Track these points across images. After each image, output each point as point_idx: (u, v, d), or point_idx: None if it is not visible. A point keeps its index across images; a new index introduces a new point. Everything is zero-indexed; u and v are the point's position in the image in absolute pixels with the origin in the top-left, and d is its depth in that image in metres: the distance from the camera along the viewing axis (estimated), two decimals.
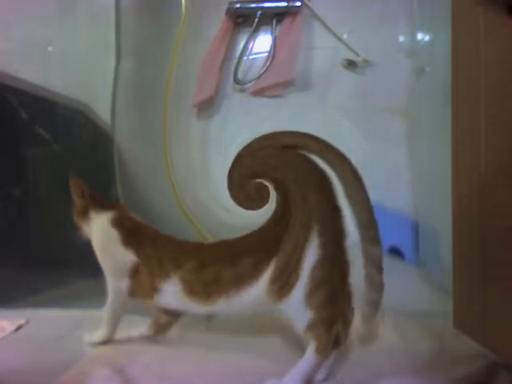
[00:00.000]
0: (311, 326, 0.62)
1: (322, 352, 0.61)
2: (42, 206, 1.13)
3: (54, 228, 1.11)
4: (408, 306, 0.92)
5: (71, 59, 1.35)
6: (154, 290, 0.70)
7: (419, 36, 1.27)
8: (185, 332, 0.75)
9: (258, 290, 0.64)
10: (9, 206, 1.03)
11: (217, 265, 0.67)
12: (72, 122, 1.28)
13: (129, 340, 0.79)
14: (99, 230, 0.76)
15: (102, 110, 1.40)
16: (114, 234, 0.75)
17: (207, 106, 1.45)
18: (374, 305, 0.67)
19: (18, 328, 0.84)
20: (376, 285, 0.67)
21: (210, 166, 1.47)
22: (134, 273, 0.72)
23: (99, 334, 0.77)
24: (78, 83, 1.31)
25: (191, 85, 1.43)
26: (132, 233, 0.75)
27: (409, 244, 1.21)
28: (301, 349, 0.66)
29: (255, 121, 1.43)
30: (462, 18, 0.81)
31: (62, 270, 0.97)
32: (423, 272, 1.12)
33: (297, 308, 0.62)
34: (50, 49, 1.35)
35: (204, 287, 0.67)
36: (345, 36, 1.37)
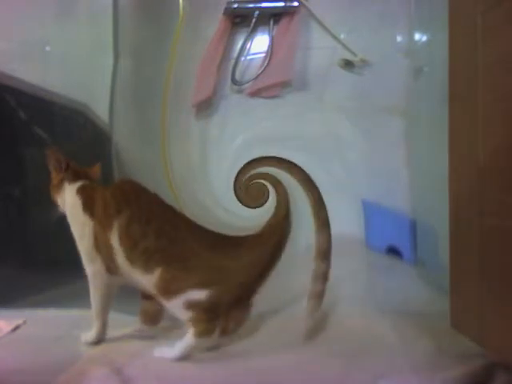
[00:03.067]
0: (191, 320, 0.69)
1: (199, 338, 0.69)
2: (41, 206, 1.13)
3: (53, 228, 1.11)
4: (406, 306, 0.92)
5: (69, 59, 1.35)
6: (110, 250, 0.72)
7: (417, 36, 1.27)
8: (183, 332, 0.74)
9: (151, 281, 0.70)
10: (8, 206, 1.03)
11: (144, 226, 0.71)
12: (70, 122, 1.28)
13: (123, 337, 0.79)
14: (69, 200, 0.78)
15: (100, 110, 1.40)
16: (78, 202, 0.76)
17: (206, 106, 1.45)
18: (319, 297, 0.72)
19: (16, 328, 0.84)
20: (321, 277, 0.71)
21: (208, 166, 1.47)
22: (96, 242, 0.74)
23: (92, 332, 0.77)
24: (76, 83, 1.31)
25: (190, 84, 1.43)
26: (90, 198, 0.76)
27: (407, 243, 1.21)
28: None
29: (253, 121, 1.43)
30: (459, 19, 0.81)
31: (61, 270, 0.97)
32: (421, 271, 1.13)
33: (177, 310, 0.70)
34: (48, 49, 1.35)
35: (131, 241, 0.70)
36: (342, 36, 1.37)
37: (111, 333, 0.79)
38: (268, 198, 0.76)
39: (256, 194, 0.75)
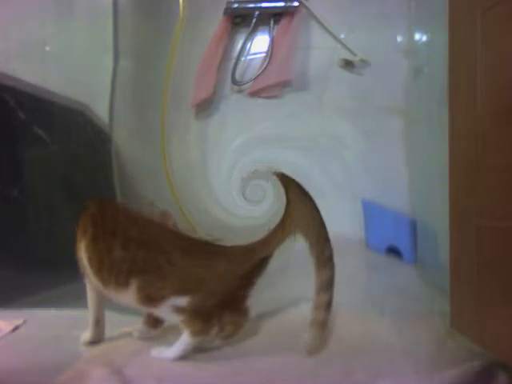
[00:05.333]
0: (184, 322, 0.69)
1: (195, 337, 0.69)
2: (41, 206, 1.13)
3: (52, 228, 1.11)
4: (406, 306, 0.92)
5: (69, 59, 1.35)
6: (86, 271, 0.73)
7: (417, 36, 1.27)
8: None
9: (130, 296, 0.70)
10: (7, 206, 1.03)
11: (108, 241, 0.71)
12: (70, 122, 1.28)
13: (123, 337, 0.79)
14: None
15: (100, 110, 1.40)
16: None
17: (205, 107, 1.45)
18: (321, 326, 0.69)
19: (15, 328, 0.84)
20: (323, 306, 0.69)
21: (207, 166, 1.48)
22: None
23: (88, 332, 0.77)
24: (76, 83, 1.31)
25: (189, 84, 1.44)
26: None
27: (407, 243, 1.21)
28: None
29: (253, 121, 1.43)
30: (459, 18, 0.81)
31: (60, 270, 0.97)
32: (421, 271, 1.13)
33: (167, 315, 0.70)
34: (47, 49, 1.35)
35: (97, 258, 0.71)
36: (342, 36, 1.37)
37: (111, 332, 0.79)
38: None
39: None
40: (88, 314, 0.77)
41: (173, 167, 1.45)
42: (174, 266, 0.69)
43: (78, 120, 1.31)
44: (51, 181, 1.17)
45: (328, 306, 0.68)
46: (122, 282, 0.69)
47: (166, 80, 1.42)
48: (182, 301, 0.68)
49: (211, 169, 1.47)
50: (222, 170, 1.46)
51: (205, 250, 0.72)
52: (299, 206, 0.69)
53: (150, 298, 0.69)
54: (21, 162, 1.10)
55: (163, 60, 1.43)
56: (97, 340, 0.77)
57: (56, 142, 1.18)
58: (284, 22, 1.40)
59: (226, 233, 1.41)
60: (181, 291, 0.68)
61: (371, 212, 1.32)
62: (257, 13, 1.40)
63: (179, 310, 0.68)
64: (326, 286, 0.68)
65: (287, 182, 0.70)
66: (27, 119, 1.09)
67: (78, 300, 0.79)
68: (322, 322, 0.69)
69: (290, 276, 0.91)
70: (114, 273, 0.70)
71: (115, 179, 1.44)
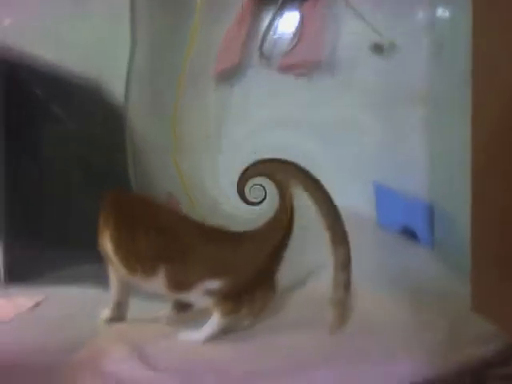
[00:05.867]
0: (215, 302, 0.69)
1: (227, 317, 0.69)
2: (60, 184, 1.13)
3: (71, 205, 1.12)
4: (423, 286, 0.91)
5: (86, 48, 1.34)
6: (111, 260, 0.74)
7: (439, 12, 1.23)
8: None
9: (159, 283, 0.70)
10: (26, 183, 1.03)
11: (130, 231, 0.72)
12: (86, 100, 1.28)
13: (154, 321, 0.79)
14: None
15: (116, 90, 1.40)
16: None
17: (229, 77, 1.43)
18: (342, 306, 0.70)
19: (37, 305, 0.85)
20: (342, 285, 0.69)
21: (220, 147, 1.46)
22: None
23: (107, 310, 0.78)
24: (92, 64, 1.30)
25: (209, 62, 1.41)
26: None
27: (423, 226, 1.20)
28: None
29: (276, 101, 1.41)
30: None
31: (82, 248, 0.98)
32: (439, 254, 1.12)
33: (198, 299, 0.71)
34: (65, 35, 1.34)
35: (123, 249, 0.72)
36: (366, 17, 1.33)
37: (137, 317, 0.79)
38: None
39: None
40: (109, 294, 0.78)
41: (182, 150, 1.44)
42: (198, 252, 0.70)
43: (93, 98, 1.31)
44: (68, 158, 1.17)
45: (347, 285, 0.69)
46: (149, 270, 0.70)
47: (184, 61, 1.40)
48: (214, 284, 0.68)
49: (224, 148, 1.46)
50: (235, 152, 1.44)
51: (227, 236, 0.73)
52: (299, 181, 0.71)
53: (181, 283, 0.70)
54: (37, 140, 1.11)
55: (181, 42, 1.41)
56: (116, 318, 0.78)
57: (71, 119, 1.18)
58: (310, 1, 1.37)
59: (233, 224, 1.39)
60: (212, 275, 0.68)
61: (383, 194, 1.30)
62: None
63: (211, 292, 0.69)
64: (343, 265, 0.69)
65: (285, 164, 0.72)
66: (44, 97, 1.09)
67: (100, 278, 0.80)
68: (343, 301, 0.70)
69: (308, 244, 0.90)
70: (140, 261, 0.71)
71: (129, 159, 1.44)
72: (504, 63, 0.71)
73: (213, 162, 1.45)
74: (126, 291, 0.78)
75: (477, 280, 0.77)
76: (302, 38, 1.36)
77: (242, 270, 0.70)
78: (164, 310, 0.80)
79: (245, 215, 1.36)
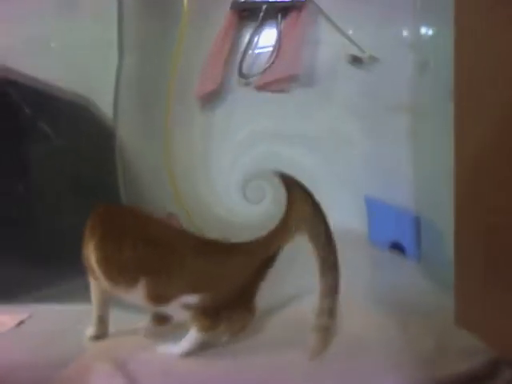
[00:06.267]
0: (193, 317, 0.69)
1: (204, 332, 0.69)
2: (45, 202, 1.13)
3: (57, 223, 1.11)
4: (410, 302, 0.91)
5: (74, 55, 1.35)
6: (94, 272, 0.73)
7: (423, 30, 1.26)
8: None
9: (139, 294, 0.69)
10: (11, 201, 1.03)
11: (116, 241, 0.71)
12: (74, 117, 1.28)
13: (128, 333, 0.79)
14: None
15: (104, 105, 1.40)
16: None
17: (211, 100, 1.45)
18: (324, 332, 0.68)
19: (20, 323, 0.84)
20: (326, 312, 0.67)
21: (211, 163, 1.47)
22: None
23: (91, 327, 0.77)
24: (80, 78, 1.31)
25: (195, 80, 1.43)
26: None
27: (411, 240, 1.20)
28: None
29: (259, 116, 1.43)
30: (465, 12, 0.80)
31: (65, 264, 0.97)
32: (425, 268, 1.12)
33: (176, 312, 0.70)
34: (52, 45, 1.35)
35: (106, 259, 0.71)
36: (350, 32, 1.36)
37: (117, 329, 0.79)
38: None
39: None
40: (92, 310, 0.77)
41: (175, 163, 1.45)
42: (184, 265, 0.69)
43: (82, 115, 1.31)
44: (55, 176, 1.17)
45: (332, 312, 0.67)
46: (130, 282, 0.69)
47: (171, 75, 1.42)
48: (193, 299, 0.68)
49: (214, 165, 1.47)
50: (225, 167, 1.45)
51: (215, 249, 0.72)
52: (302, 206, 0.69)
53: (160, 296, 0.69)
54: (25, 157, 1.10)
55: (169, 55, 1.42)
56: (101, 335, 0.77)
57: (60, 136, 1.18)
58: (291, 16, 1.39)
59: (226, 230, 1.41)
60: (191, 289, 0.68)
61: (375, 208, 1.31)
62: (264, 7, 1.39)
63: (189, 306, 0.68)
64: (330, 291, 0.67)
65: (288, 182, 0.70)
66: (32, 114, 1.09)
67: (83, 295, 0.79)
68: (326, 328, 0.68)
69: (293, 269, 0.90)
70: (123, 272, 0.70)
71: (119, 175, 1.44)
72: (485, 78, 0.72)
73: (206, 169, 1.46)
74: (107, 305, 0.78)
75: (460, 294, 0.78)
76: (279, 55, 1.39)
77: (223, 286, 0.69)
78: (143, 321, 0.79)
79: (239, 220, 1.38)
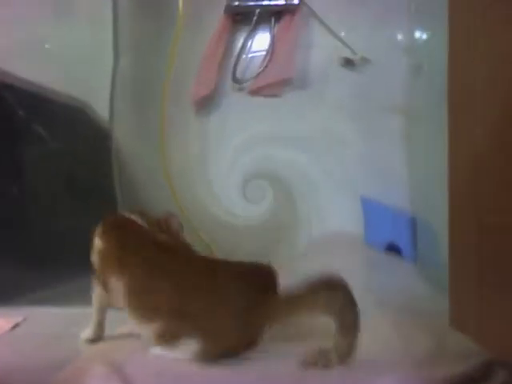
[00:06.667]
0: None
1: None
2: (41, 204, 1.13)
3: (52, 226, 1.11)
4: (405, 304, 0.92)
5: (69, 57, 1.35)
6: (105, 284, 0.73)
7: (417, 34, 1.27)
8: None
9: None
10: (6, 203, 1.03)
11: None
12: (70, 120, 1.28)
13: (123, 335, 0.78)
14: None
15: (100, 108, 1.40)
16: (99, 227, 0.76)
17: (206, 104, 1.45)
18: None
19: (15, 326, 0.84)
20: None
21: (207, 164, 1.48)
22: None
23: (88, 330, 0.77)
24: (76, 81, 1.31)
25: (190, 83, 1.43)
26: (109, 227, 0.76)
27: (407, 241, 1.21)
28: None
29: (253, 120, 1.43)
30: (459, 15, 0.80)
31: (60, 267, 0.97)
32: (421, 269, 1.13)
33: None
34: (47, 46, 1.35)
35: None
36: (343, 34, 1.36)
37: (111, 331, 0.79)
38: None
39: None
40: (91, 313, 0.77)
41: (172, 165, 1.45)
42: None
43: (78, 117, 1.31)
44: (51, 178, 1.17)
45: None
46: (146, 317, 0.69)
47: (166, 78, 1.42)
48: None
49: (211, 167, 1.47)
50: (222, 169, 1.46)
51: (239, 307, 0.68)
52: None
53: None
54: (20, 160, 1.10)
55: (163, 58, 1.43)
56: (97, 338, 0.77)
57: (56, 139, 1.18)
58: (285, 20, 1.40)
59: (224, 231, 1.41)
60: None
61: (370, 209, 1.32)
62: (257, 11, 1.40)
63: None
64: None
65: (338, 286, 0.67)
66: (27, 117, 1.09)
67: (78, 297, 0.79)
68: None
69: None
70: (144, 308, 0.69)
71: (115, 177, 1.44)
72: (479, 79, 0.73)
73: (203, 170, 1.46)
74: (106, 311, 0.77)
75: (455, 295, 0.78)
76: (273, 59, 1.39)
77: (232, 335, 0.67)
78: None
79: (237, 221, 1.38)
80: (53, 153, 1.18)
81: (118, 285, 0.71)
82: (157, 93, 1.43)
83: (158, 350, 0.70)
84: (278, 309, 0.67)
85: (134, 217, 0.78)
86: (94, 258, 0.75)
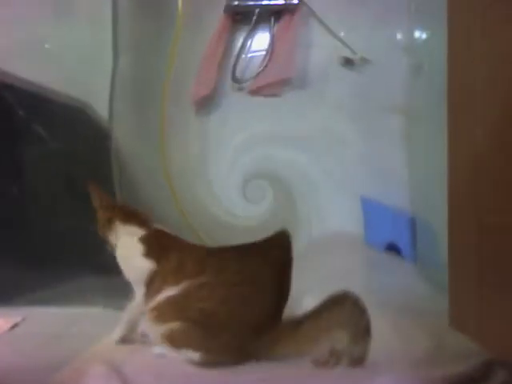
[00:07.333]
0: None
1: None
2: (40, 204, 1.13)
3: (52, 225, 1.11)
4: (405, 303, 0.92)
5: (69, 57, 1.35)
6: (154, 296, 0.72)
7: (417, 34, 1.27)
8: None
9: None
10: (6, 203, 1.03)
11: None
12: (70, 120, 1.28)
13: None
14: (126, 244, 0.77)
15: (100, 108, 1.40)
16: (140, 247, 0.76)
17: (205, 104, 1.45)
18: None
19: (14, 326, 0.84)
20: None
21: (207, 164, 1.48)
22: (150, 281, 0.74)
23: (117, 332, 0.77)
24: (75, 80, 1.31)
25: (190, 82, 1.43)
26: (157, 245, 0.76)
27: (406, 241, 1.21)
28: None
29: (253, 119, 1.43)
30: (458, 15, 0.80)
31: (60, 267, 0.97)
32: (421, 269, 1.12)
33: None
34: (47, 46, 1.35)
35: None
36: (342, 34, 1.36)
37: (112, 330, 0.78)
38: None
39: None
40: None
41: (172, 165, 1.45)
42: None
43: (77, 117, 1.31)
44: (51, 178, 1.17)
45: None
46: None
47: (166, 78, 1.42)
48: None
49: (211, 167, 1.47)
50: (222, 169, 1.46)
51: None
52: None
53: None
54: (20, 160, 1.10)
55: (163, 58, 1.43)
56: (126, 340, 0.77)
57: (56, 139, 1.18)
58: (284, 19, 1.40)
59: (224, 232, 1.41)
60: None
61: (370, 209, 1.31)
62: (257, 10, 1.40)
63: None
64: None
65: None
66: (27, 117, 1.09)
67: (78, 297, 0.79)
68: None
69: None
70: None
71: (115, 177, 1.44)
72: (479, 79, 0.73)
73: (203, 170, 1.46)
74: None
75: (455, 295, 0.78)
76: (272, 59, 1.39)
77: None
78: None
79: (237, 221, 1.38)
80: (53, 153, 1.18)
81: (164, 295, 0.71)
82: (157, 93, 1.43)
83: (160, 350, 0.70)
84: (286, 336, 0.68)
85: (160, 227, 0.79)
86: (137, 274, 0.75)
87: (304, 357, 0.67)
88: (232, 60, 1.43)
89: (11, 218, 1.03)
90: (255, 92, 1.41)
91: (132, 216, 0.80)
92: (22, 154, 1.11)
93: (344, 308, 0.66)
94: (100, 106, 1.40)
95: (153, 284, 0.73)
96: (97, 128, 1.40)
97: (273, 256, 0.73)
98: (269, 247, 0.74)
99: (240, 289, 0.69)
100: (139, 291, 0.75)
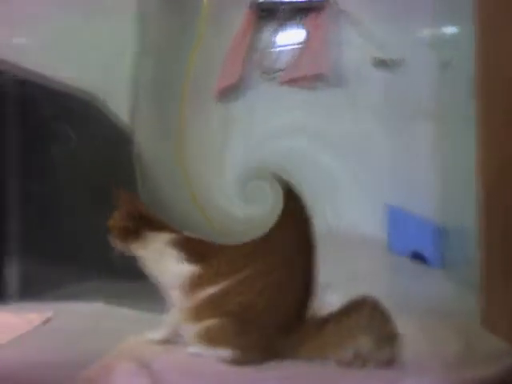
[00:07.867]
0: None
1: None
2: (68, 202, 1.14)
3: (81, 223, 1.12)
4: (433, 306, 0.90)
5: (91, 55, 1.36)
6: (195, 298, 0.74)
7: (444, 29, 1.25)
8: None
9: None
10: (36, 201, 1.04)
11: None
12: (91, 120, 1.29)
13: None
14: (159, 250, 0.79)
15: (121, 108, 1.41)
16: (174, 253, 0.78)
17: (230, 95, 1.44)
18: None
19: (47, 321, 0.85)
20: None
21: (226, 165, 1.46)
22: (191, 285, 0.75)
23: (161, 332, 0.78)
24: (97, 79, 1.32)
25: (212, 79, 1.42)
26: (191, 249, 0.78)
27: (432, 249, 1.19)
28: None
29: (281, 113, 1.41)
30: (487, 12, 0.79)
31: (89, 264, 0.98)
32: (449, 275, 1.11)
33: None
34: (71, 45, 1.36)
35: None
36: (370, 33, 1.34)
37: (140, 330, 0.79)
38: None
39: None
40: (167, 320, 0.78)
41: (191, 164, 1.44)
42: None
43: (98, 116, 1.32)
44: (77, 178, 1.18)
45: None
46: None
47: (186, 75, 1.41)
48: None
49: (229, 167, 1.46)
50: (241, 170, 1.44)
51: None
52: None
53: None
54: (48, 157, 1.11)
55: (186, 56, 1.42)
56: (165, 341, 0.78)
57: (78, 140, 1.19)
58: (310, 17, 1.38)
59: (242, 228, 1.40)
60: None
61: (396, 217, 1.29)
62: (283, 7, 1.39)
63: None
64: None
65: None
66: (52, 115, 1.10)
67: (107, 294, 0.80)
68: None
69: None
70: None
71: (138, 180, 1.44)
72: (509, 78, 0.71)
73: (220, 171, 1.46)
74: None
75: (486, 296, 0.77)
76: (305, 52, 1.38)
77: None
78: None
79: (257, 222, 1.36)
80: (77, 153, 1.19)
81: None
82: (179, 93, 1.43)
83: (194, 349, 0.72)
84: (310, 339, 0.69)
85: (189, 234, 0.81)
86: (174, 279, 0.76)
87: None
88: (258, 54, 1.42)
89: (42, 215, 1.05)
90: (287, 83, 1.40)
91: (161, 223, 0.82)
92: (50, 151, 1.12)
93: (362, 313, 0.67)
94: (121, 107, 1.40)
95: (190, 286, 0.74)
96: (119, 130, 1.40)
97: (290, 212, 0.77)
98: (284, 211, 0.77)
99: (273, 276, 0.72)
100: (176, 295, 0.76)
